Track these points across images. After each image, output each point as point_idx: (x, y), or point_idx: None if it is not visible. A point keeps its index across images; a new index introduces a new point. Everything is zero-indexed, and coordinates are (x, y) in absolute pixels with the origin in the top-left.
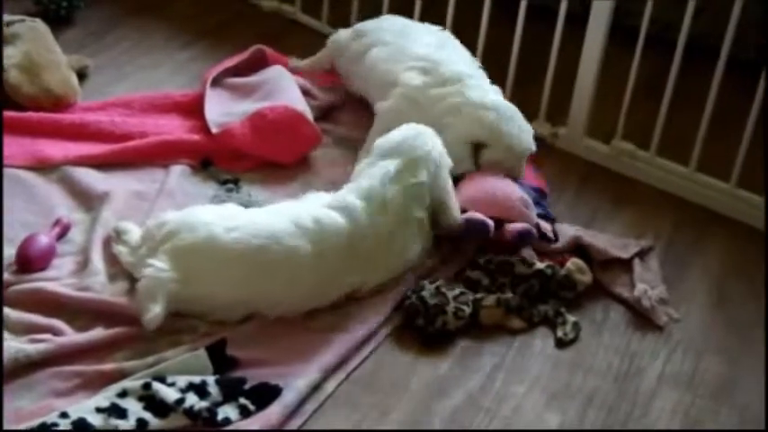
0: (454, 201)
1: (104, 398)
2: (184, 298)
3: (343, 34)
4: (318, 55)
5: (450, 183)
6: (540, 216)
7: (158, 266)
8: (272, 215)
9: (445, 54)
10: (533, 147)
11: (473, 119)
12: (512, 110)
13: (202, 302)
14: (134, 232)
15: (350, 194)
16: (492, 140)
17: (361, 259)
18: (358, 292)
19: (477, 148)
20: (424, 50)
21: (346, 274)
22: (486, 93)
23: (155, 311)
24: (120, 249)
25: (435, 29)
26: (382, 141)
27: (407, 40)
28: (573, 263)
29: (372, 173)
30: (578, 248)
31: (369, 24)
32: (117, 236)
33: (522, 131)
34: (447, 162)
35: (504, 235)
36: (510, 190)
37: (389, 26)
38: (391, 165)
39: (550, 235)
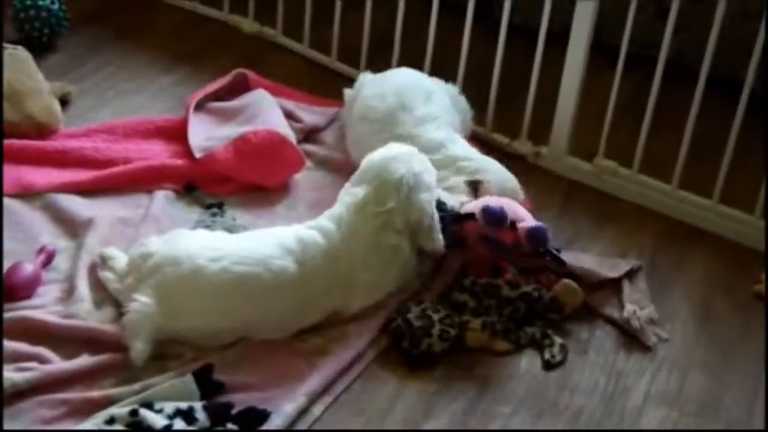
0: (435, 224)
1: (92, 425)
2: (171, 331)
3: None
4: None
5: (431, 205)
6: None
7: (143, 301)
8: (256, 240)
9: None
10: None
11: None
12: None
13: (189, 334)
14: (120, 258)
15: (324, 219)
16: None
17: (339, 282)
18: (341, 315)
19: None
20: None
21: (327, 297)
22: None
23: (139, 348)
24: (106, 276)
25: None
26: (362, 164)
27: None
28: (563, 284)
29: (344, 200)
30: (566, 273)
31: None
32: (103, 262)
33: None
34: (427, 184)
35: (516, 235)
36: (516, 203)
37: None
38: (360, 193)
39: (563, 261)
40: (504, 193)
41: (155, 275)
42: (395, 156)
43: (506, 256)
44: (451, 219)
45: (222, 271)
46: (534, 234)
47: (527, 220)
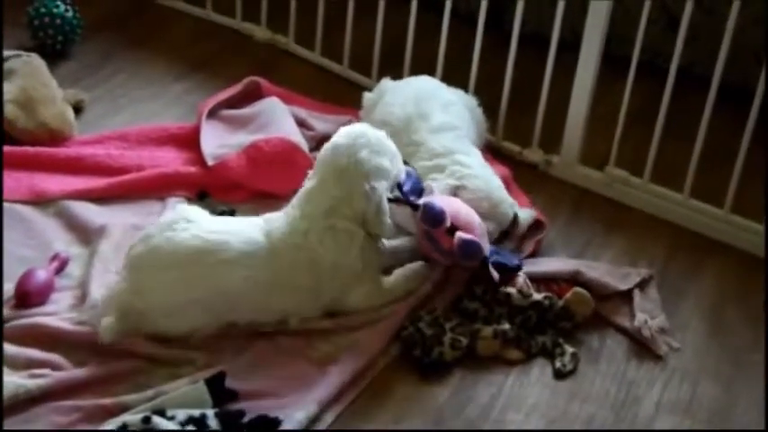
0: (382, 210)
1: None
2: (138, 309)
3: None
4: None
5: (376, 192)
6: (495, 264)
7: (115, 279)
8: (229, 221)
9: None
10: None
11: None
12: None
13: (160, 312)
14: None
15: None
16: None
17: (304, 257)
18: (337, 304)
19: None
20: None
21: (299, 277)
22: None
23: (107, 322)
24: None
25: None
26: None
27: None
28: (574, 293)
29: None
30: (577, 283)
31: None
32: None
33: None
34: (374, 170)
35: (451, 243)
36: (474, 214)
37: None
38: (309, 183)
39: (495, 278)
40: (489, 212)
41: (131, 253)
42: (340, 145)
43: (447, 260)
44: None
45: (193, 237)
46: (463, 247)
47: (471, 231)
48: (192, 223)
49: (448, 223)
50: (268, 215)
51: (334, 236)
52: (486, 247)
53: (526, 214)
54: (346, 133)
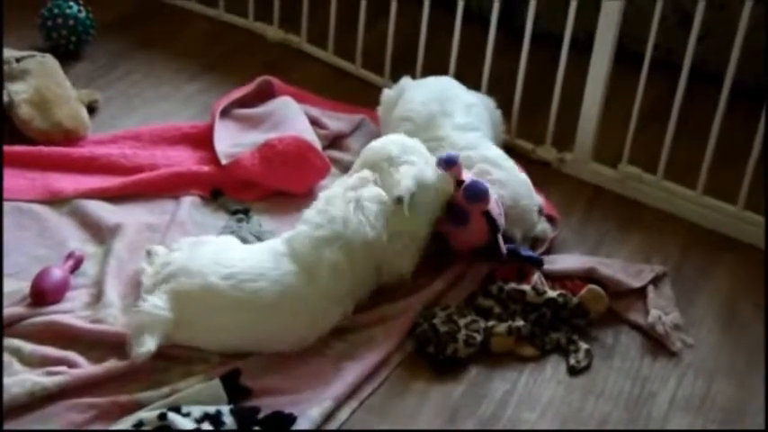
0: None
1: (121, 429)
2: (177, 341)
3: None
4: None
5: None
6: (510, 250)
7: (157, 304)
8: (256, 252)
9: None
10: None
11: None
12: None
13: (202, 343)
14: (162, 255)
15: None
16: None
17: (344, 269)
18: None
19: None
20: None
21: (340, 284)
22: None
23: (149, 347)
24: (144, 268)
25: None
26: None
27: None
28: (589, 290)
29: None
30: (592, 280)
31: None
32: (147, 255)
33: None
34: (402, 163)
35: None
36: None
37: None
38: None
39: (502, 251)
40: (513, 209)
41: (170, 283)
42: (375, 143)
43: (457, 231)
44: None
45: (231, 288)
46: (469, 187)
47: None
48: (226, 269)
49: (461, 171)
50: (286, 235)
51: (359, 208)
52: (499, 211)
53: (543, 226)
54: (385, 138)
